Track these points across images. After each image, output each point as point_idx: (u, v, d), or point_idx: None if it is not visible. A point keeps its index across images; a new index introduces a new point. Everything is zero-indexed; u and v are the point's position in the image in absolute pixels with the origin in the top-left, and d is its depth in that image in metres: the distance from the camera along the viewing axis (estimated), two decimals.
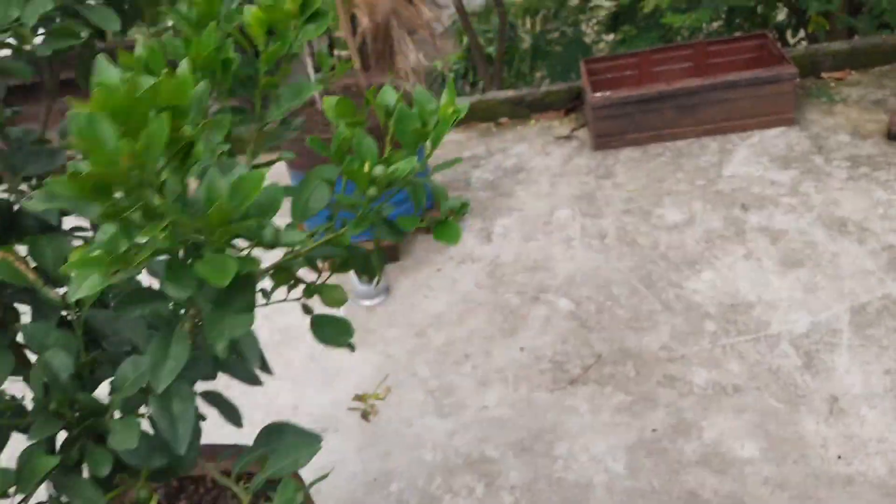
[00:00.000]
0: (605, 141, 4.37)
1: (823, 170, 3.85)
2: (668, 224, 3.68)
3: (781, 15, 5.98)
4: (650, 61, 4.64)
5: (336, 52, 5.70)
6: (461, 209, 1.16)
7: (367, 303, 3.54)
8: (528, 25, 8.57)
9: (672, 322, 3.12)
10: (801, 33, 5.83)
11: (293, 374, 3.22)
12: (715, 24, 5.86)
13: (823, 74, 4.67)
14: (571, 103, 4.89)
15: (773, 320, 3.04)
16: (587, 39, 7.02)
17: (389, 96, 1.14)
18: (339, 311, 3.71)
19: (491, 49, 10.53)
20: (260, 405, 3.07)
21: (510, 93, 4.98)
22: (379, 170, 1.05)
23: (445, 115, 1.08)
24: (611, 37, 7.05)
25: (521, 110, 4.92)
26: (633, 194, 3.95)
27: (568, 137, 4.60)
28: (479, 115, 4.96)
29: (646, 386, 2.87)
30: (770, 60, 4.39)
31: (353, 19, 5.80)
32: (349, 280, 3.56)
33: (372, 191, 1.05)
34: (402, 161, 1.05)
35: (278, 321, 3.54)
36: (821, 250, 3.35)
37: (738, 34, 5.61)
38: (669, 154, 4.23)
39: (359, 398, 3.04)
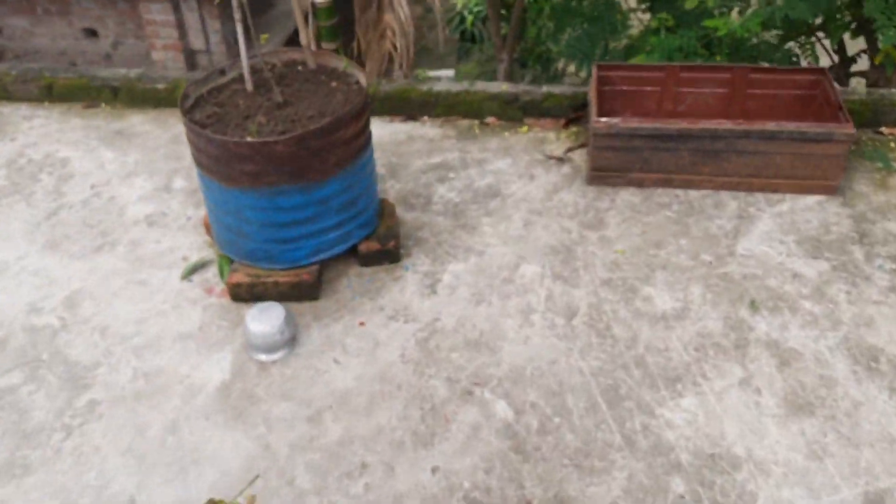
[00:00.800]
0: (602, 176, 3.55)
1: (862, 269, 3.06)
2: (654, 312, 2.92)
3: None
4: (678, 79, 3.77)
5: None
6: None
7: (262, 357, 2.82)
8: None
9: (631, 468, 2.40)
10: (866, 47, 4.90)
11: (143, 450, 2.52)
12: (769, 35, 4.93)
13: (884, 129, 3.82)
14: (574, 113, 4.05)
15: (760, 492, 2.32)
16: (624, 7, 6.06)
17: None
18: (224, 365, 3.00)
19: None
20: (89, 489, 2.39)
21: (504, 86, 4.13)
22: None
23: None
24: (647, 16, 6.11)
25: (514, 111, 4.08)
26: (622, 258, 3.17)
27: (560, 160, 3.78)
28: (462, 109, 4.12)
29: None
30: (823, 109, 3.53)
31: None
32: (244, 324, 2.82)
33: None
34: None
35: (147, 359, 2.83)
36: (839, 393, 2.60)
37: (794, 64, 4.71)
38: (677, 207, 3.43)
39: None
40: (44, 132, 4.16)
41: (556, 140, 3.94)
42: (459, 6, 10.19)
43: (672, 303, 2.96)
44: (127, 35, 7.17)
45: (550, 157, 3.79)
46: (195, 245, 3.35)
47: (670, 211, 3.41)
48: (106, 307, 3.06)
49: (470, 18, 10.12)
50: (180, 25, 6.58)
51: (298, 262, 3.03)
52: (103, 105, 4.37)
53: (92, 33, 7.41)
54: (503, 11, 9.43)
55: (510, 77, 6.21)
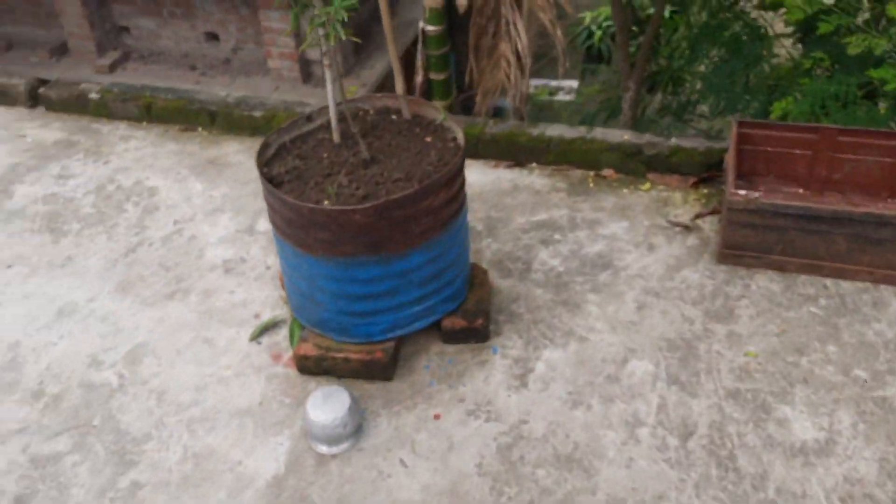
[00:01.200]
0: (736, 255, 3.03)
1: None
2: (791, 441, 2.40)
3: None
4: (835, 144, 3.18)
5: (424, 26, 4.44)
6: None
7: (323, 448, 2.49)
8: None
9: None
10: None
11: None
12: None
13: None
14: (707, 172, 3.52)
15: None
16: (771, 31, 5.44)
17: None
18: (280, 453, 2.62)
19: (652, 11, 8.85)
20: None
21: (626, 136, 3.65)
22: None
23: None
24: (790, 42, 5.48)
25: (635, 164, 3.59)
26: (753, 363, 2.65)
27: (687, 228, 3.27)
28: (576, 157, 3.67)
29: None
30: None
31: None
32: (305, 409, 2.50)
33: None
34: None
35: (200, 437, 2.56)
36: None
37: None
38: (825, 302, 2.86)
39: None
40: (137, 156, 4.02)
41: (682, 203, 3.42)
42: (588, 21, 9.65)
43: (814, 431, 2.42)
44: (247, 41, 7.11)
45: (675, 224, 3.28)
46: (269, 300, 3.07)
47: (817, 306, 2.85)
48: (168, 367, 2.83)
49: (598, 34, 9.55)
50: (297, 34, 6.45)
51: (372, 338, 2.69)
52: (200, 129, 4.20)
53: (213, 37, 7.41)
54: (634, 28, 8.79)
55: (636, 106, 5.68)
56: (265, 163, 2.69)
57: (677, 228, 3.27)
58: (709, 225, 3.28)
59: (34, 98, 4.46)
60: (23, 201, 3.72)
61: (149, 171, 3.88)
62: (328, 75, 2.62)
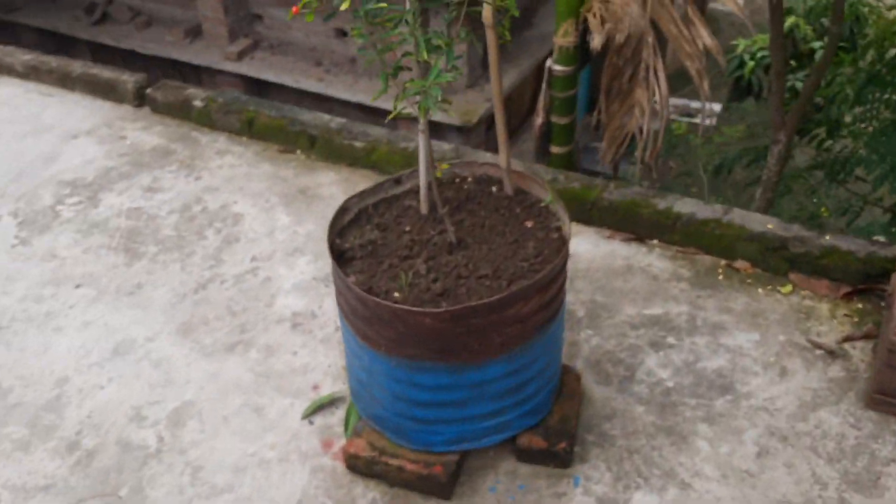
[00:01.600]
0: (890, 404, 2.45)
1: None
2: None
3: None
4: None
5: (552, 65, 4.01)
6: None
7: None
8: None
9: None
10: None
11: None
12: None
13: None
14: (865, 283, 2.92)
15: None
16: None
17: None
18: None
19: (817, 44, 8.01)
20: None
21: (770, 224, 3.08)
22: None
23: None
24: None
25: (777, 261, 3.03)
26: None
27: (832, 353, 2.70)
28: (707, 241, 3.14)
29: None
30: None
31: (583, 32, 4.05)
32: None
33: None
34: None
35: None
36: None
37: None
38: None
39: None
40: (230, 174, 3.80)
41: (829, 317, 2.85)
42: (740, 48, 8.87)
43: None
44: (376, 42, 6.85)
45: (817, 346, 2.72)
46: (332, 370, 2.75)
47: None
48: (210, 435, 2.56)
49: (750, 65, 8.77)
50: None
51: (432, 448, 2.32)
52: (298, 152, 3.94)
53: (342, 34, 7.21)
54: (792, 62, 7.93)
55: (784, 161, 5.03)
56: (339, 231, 2.35)
57: (819, 351, 2.71)
58: (859, 352, 2.70)
59: (141, 97, 4.33)
60: (107, 213, 3.57)
61: (238, 195, 3.65)
62: (421, 141, 2.25)
